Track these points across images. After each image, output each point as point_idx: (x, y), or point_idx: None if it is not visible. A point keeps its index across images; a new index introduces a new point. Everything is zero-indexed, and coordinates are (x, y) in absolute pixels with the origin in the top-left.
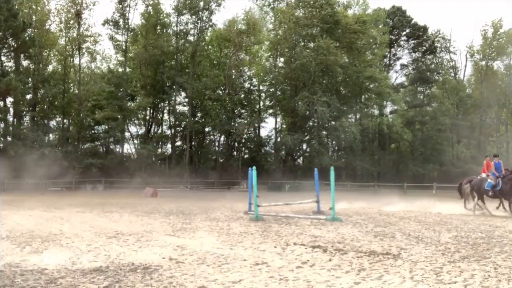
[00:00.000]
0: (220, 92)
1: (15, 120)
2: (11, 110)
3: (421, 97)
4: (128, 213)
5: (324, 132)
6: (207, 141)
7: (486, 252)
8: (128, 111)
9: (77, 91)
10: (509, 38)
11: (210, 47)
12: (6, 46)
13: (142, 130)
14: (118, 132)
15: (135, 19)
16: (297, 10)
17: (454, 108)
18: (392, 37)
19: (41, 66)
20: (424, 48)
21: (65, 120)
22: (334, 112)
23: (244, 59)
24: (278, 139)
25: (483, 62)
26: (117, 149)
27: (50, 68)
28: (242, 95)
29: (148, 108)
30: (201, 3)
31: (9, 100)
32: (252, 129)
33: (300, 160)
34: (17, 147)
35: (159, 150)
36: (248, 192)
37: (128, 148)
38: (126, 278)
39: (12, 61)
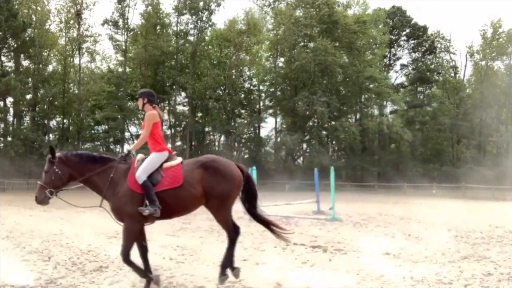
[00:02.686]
0: (220, 92)
1: (15, 120)
2: (11, 110)
3: (421, 97)
4: None
5: (324, 132)
6: (207, 141)
7: (486, 252)
8: (128, 111)
9: (77, 91)
10: (509, 38)
11: (210, 47)
12: (6, 46)
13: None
14: (118, 132)
15: (135, 19)
16: (297, 11)
17: (454, 108)
18: (392, 37)
19: (41, 66)
20: (424, 48)
21: (65, 120)
22: (334, 112)
23: (244, 59)
24: (278, 139)
25: (483, 62)
26: (117, 149)
27: (50, 68)
28: (242, 95)
29: None
30: (201, 3)
31: (9, 100)
32: (252, 129)
33: (300, 160)
34: (17, 147)
35: None
36: None
37: (128, 148)
38: (126, 278)
39: (12, 61)
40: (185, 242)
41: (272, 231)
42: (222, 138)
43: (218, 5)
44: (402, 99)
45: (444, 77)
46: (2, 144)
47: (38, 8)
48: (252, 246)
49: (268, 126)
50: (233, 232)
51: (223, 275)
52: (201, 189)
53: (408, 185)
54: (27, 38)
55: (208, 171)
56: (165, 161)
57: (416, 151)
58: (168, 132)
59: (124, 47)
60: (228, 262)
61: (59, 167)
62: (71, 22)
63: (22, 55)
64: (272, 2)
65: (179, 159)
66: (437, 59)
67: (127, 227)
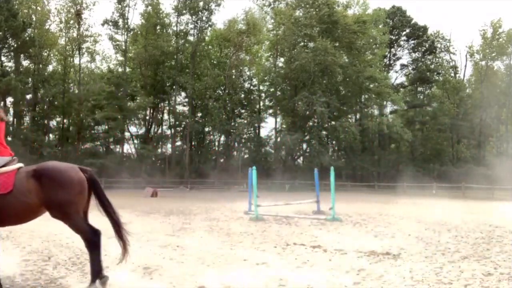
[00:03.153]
0: (220, 92)
1: (15, 120)
2: (11, 110)
3: (421, 97)
4: (128, 213)
5: (324, 132)
6: (207, 141)
7: (486, 252)
8: (128, 111)
9: (77, 91)
10: (509, 38)
11: (210, 47)
12: (6, 46)
13: (142, 130)
14: (118, 132)
15: (135, 19)
16: (297, 11)
17: (454, 108)
18: (392, 37)
19: (41, 66)
20: (424, 48)
21: (65, 120)
22: (334, 112)
23: (244, 59)
24: (278, 139)
25: (483, 62)
26: (117, 149)
27: (50, 68)
28: (242, 95)
29: (148, 108)
30: (201, 3)
31: (9, 100)
32: (252, 129)
33: (300, 160)
34: (17, 147)
35: (159, 150)
36: (248, 192)
37: (128, 148)
38: (126, 278)
39: (12, 61)
40: (185, 242)
41: (117, 234)
42: (222, 138)
43: (218, 5)
44: (402, 99)
45: (444, 77)
46: None
47: (38, 8)
48: (252, 246)
49: (268, 126)
50: (91, 235)
51: (92, 283)
52: (36, 199)
53: (408, 185)
54: (27, 38)
55: (41, 180)
56: (2, 166)
57: (416, 151)
58: (168, 132)
59: (124, 47)
60: (95, 270)
61: None
62: (71, 22)
63: (22, 55)
64: (272, 2)
65: (17, 165)
66: (437, 59)
67: None
